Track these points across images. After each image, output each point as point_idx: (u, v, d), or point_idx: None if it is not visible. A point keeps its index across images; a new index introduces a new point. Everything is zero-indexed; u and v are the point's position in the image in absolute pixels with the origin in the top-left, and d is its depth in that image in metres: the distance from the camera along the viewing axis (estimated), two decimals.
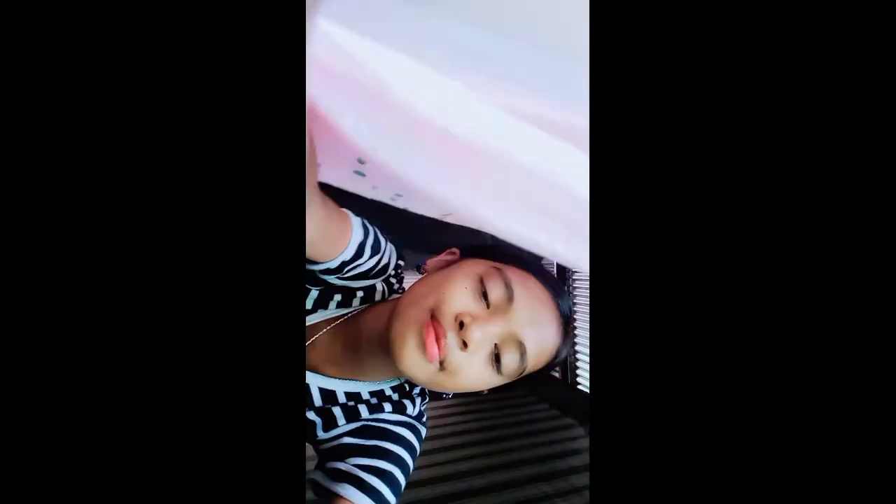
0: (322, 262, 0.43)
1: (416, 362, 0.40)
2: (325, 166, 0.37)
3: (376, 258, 0.47)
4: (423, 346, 0.39)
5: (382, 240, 0.48)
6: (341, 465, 0.44)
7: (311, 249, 0.41)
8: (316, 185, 0.35)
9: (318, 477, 0.45)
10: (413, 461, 0.48)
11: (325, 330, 0.51)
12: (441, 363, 0.40)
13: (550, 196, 0.33)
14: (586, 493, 1.51)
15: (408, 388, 0.53)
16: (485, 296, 0.42)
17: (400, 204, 0.45)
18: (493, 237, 0.36)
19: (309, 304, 0.51)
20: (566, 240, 0.35)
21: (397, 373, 0.45)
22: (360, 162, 0.35)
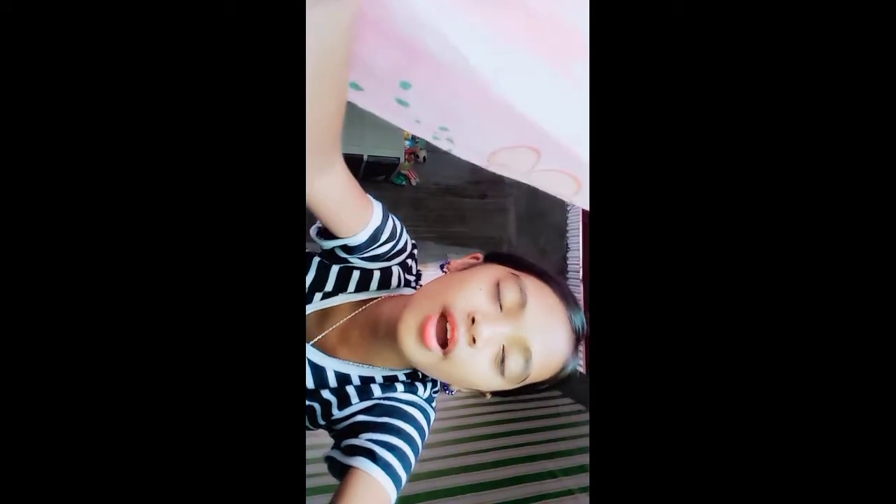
0: (339, 238, 0.47)
1: (414, 346, 0.42)
2: (368, 91, 0.35)
3: (391, 243, 0.51)
4: (422, 332, 0.41)
5: (399, 227, 0.52)
6: (355, 441, 0.46)
7: (332, 219, 0.45)
8: (340, 150, 0.37)
9: (335, 454, 0.47)
10: (422, 441, 0.50)
11: (344, 318, 0.54)
12: (445, 353, 0.41)
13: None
14: None
15: (420, 374, 0.55)
16: (499, 299, 0.43)
17: (443, 145, 0.44)
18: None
19: (330, 286, 0.55)
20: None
21: (408, 362, 0.46)
22: (404, 88, 0.34)
